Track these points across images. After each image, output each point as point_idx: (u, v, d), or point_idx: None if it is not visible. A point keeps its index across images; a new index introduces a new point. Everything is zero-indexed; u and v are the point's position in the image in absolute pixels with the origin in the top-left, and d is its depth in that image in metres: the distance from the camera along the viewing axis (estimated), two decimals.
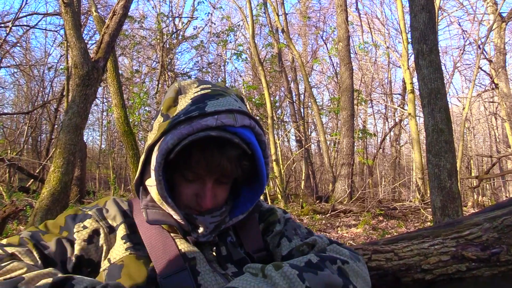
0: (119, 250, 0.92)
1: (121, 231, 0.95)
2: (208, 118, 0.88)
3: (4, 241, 0.89)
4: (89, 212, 0.97)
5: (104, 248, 0.93)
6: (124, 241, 0.93)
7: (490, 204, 12.38)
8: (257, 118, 13.60)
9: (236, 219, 1.01)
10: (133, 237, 0.95)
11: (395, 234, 6.17)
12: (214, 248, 0.98)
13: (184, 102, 0.95)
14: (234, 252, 1.00)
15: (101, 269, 0.92)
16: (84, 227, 0.93)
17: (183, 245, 0.94)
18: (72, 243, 0.91)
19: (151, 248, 0.92)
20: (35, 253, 0.86)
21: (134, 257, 0.91)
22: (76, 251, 0.90)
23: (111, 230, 0.95)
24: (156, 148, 0.91)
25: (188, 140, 0.86)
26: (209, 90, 0.97)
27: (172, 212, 0.93)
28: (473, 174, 15.72)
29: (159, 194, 0.90)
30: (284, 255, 1.01)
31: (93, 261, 0.92)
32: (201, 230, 0.95)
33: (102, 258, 0.93)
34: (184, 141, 0.86)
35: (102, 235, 0.93)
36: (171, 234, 0.96)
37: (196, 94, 0.96)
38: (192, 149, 0.89)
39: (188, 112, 0.90)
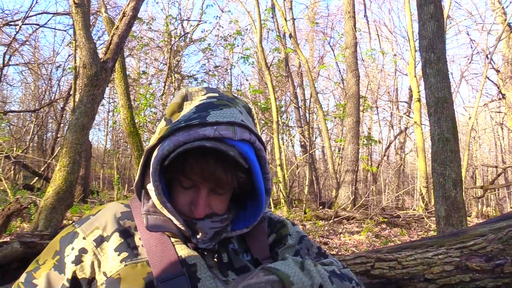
0: (113, 263, 0.91)
1: (113, 241, 0.94)
2: (207, 128, 0.87)
3: None
4: (77, 230, 0.96)
5: (95, 263, 0.93)
6: (118, 252, 0.92)
7: (494, 214, 12.29)
8: (262, 122, 13.53)
9: (240, 231, 1.01)
10: (130, 242, 0.94)
11: (398, 242, 6.14)
12: (215, 255, 0.97)
13: (188, 109, 0.94)
14: (235, 260, 0.98)
15: (98, 283, 0.91)
16: (72, 249, 0.94)
17: (183, 251, 0.94)
18: (63, 268, 0.93)
19: (150, 251, 0.92)
20: None
21: (130, 267, 0.90)
22: (67, 275, 0.92)
23: (100, 241, 0.94)
24: (154, 152, 0.90)
25: (183, 148, 0.85)
26: (215, 100, 0.95)
27: (172, 217, 0.92)
28: (478, 184, 15.61)
29: (158, 199, 0.90)
30: None
31: (87, 278, 0.93)
32: (200, 235, 0.94)
33: (96, 273, 0.93)
34: (179, 148, 0.86)
35: (89, 251, 0.93)
36: (172, 239, 0.95)
37: (201, 102, 0.95)
38: (188, 156, 0.89)
39: (189, 120, 0.89)
